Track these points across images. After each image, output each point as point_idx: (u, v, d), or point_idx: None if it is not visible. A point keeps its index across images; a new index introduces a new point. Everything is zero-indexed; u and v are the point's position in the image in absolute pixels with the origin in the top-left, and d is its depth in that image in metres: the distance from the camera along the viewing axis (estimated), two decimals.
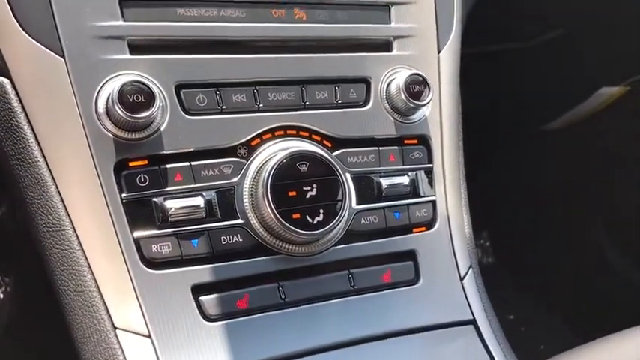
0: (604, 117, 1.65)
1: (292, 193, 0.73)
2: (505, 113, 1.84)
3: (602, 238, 1.84)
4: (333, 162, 0.76)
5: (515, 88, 1.69)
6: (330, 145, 0.79)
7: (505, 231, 2.10)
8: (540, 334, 1.80)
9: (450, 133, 0.86)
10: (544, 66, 1.54)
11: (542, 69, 1.56)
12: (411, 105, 0.80)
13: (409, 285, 0.81)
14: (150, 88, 0.68)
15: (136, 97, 0.67)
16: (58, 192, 0.69)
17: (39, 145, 0.69)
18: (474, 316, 0.82)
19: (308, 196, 0.73)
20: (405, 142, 0.83)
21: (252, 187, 0.73)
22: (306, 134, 0.78)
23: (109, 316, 0.69)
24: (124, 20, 0.71)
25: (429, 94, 0.81)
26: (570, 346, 0.83)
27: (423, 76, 0.81)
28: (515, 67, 1.58)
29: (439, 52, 0.86)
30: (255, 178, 0.73)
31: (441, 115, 0.85)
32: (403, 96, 0.80)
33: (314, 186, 0.74)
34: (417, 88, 0.80)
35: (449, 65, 0.87)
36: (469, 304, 0.83)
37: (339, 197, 0.75)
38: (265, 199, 0.71)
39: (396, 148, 0.82)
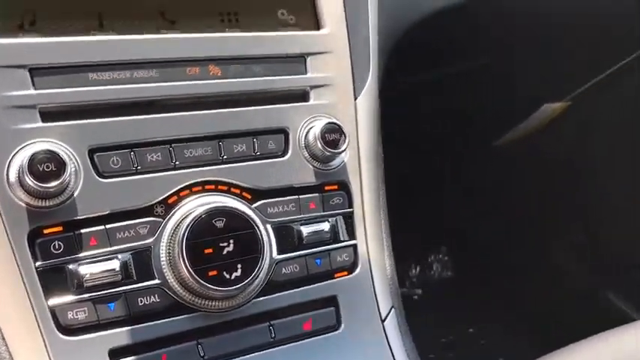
0: (549, 132, 1.69)
1: (208, 250, 0.73)
2: (458, 131, 1.87)
3: (562, 250, 1.87)
4: (251, 215, 0.76)
5: (463, 107, 1.72)
6: (249, 197, 0.79)
7: (465, 245, 2.12)
8: (499, 347, 1.82)
9: (369, 176, 0.88)
10: (483, 87, 1.58)
11: (481, 89, 1.59)
12: (328, 153, 0.82)
13: (330, 331, 0.82)
14: (60, 157, 0.68)
15: (46, 167, 0.67)
16: None
17: None
18: (394, 358, 0.84)
19: (225, 252, 0.74)
20: (326, 188, 0.85)
21: (169, 246, 0.73)
22: (225, 188, 0.78)
23: None
24: (35, 89, 0.70)
25: (344, 142, 0.82)
26: (530, 358, 0.82)
27: (338, 125, 0.83)
28: (457, 87, 1.61)
29: (356, 98, 0.88)
30: (172, 236, 0.73)
31: (359, 160, 0.87)
32: (319, 145, 0.81)
33: (231, 241, 0.74)
34: (332, 136, 0.82)
35: (366, 111, 0.89)
36: (390, 347, 0.84)
37: (257, 250, 0.76)
38: (181, 257, 0.72)
39: (317, 195, 0.84)
